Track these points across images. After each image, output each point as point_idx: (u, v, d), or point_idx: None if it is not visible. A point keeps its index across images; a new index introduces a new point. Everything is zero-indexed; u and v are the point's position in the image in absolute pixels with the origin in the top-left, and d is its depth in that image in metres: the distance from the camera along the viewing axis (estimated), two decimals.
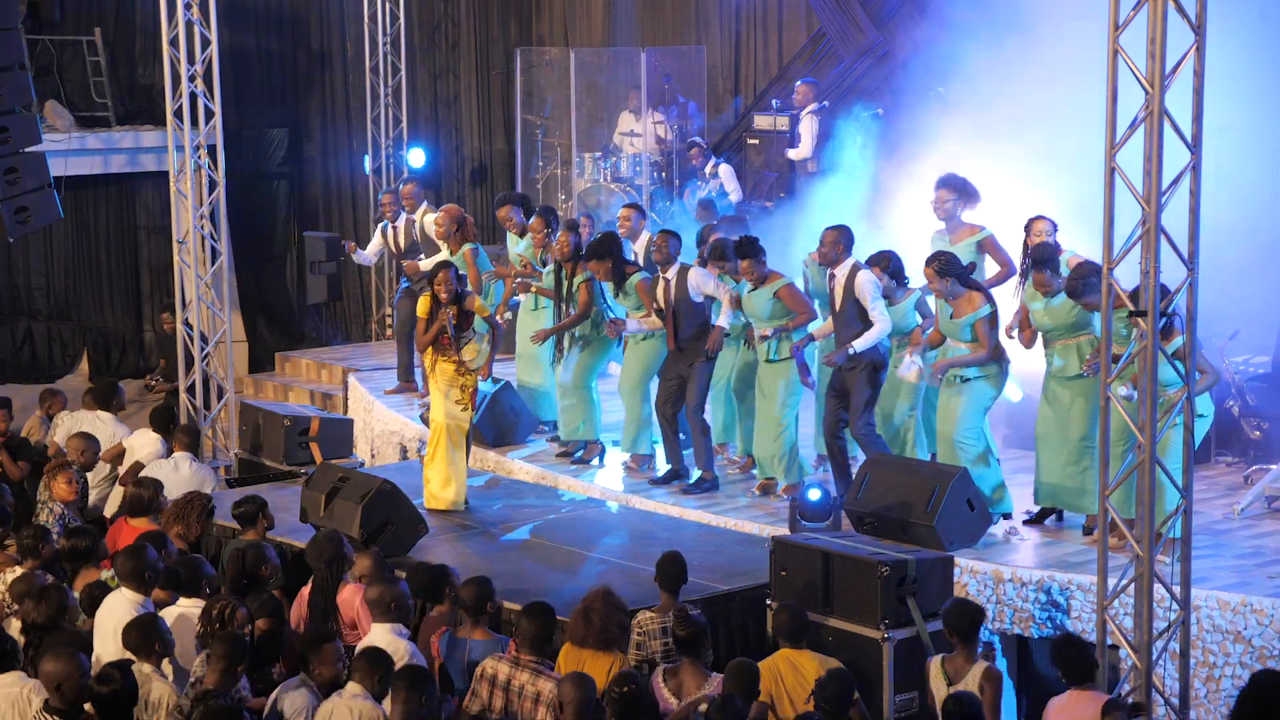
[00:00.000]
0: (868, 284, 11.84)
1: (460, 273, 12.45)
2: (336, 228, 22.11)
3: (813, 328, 12.37)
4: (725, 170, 17.82)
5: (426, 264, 15.79)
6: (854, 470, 11.87)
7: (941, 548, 10.85)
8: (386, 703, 7.93)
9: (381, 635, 8.69)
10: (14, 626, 9.46)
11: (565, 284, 13.67)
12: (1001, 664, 10.61)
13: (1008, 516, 11.56)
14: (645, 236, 14.03)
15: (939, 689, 8.64)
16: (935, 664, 8.73)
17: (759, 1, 19.40)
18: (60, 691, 7.79)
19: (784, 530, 11.35)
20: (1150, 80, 8.55)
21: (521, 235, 14.84)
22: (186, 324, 14.93)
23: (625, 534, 11.73)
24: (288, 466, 13.51)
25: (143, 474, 12.18)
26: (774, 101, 18.43)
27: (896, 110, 16.79)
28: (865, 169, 15.93)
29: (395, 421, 15.29)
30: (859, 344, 11.78)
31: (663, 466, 13.24)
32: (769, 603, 9.77)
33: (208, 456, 15.02)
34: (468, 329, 12.13)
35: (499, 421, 14.06)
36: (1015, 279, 12.20)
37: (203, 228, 14.83)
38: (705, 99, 19.69)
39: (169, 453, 12.92)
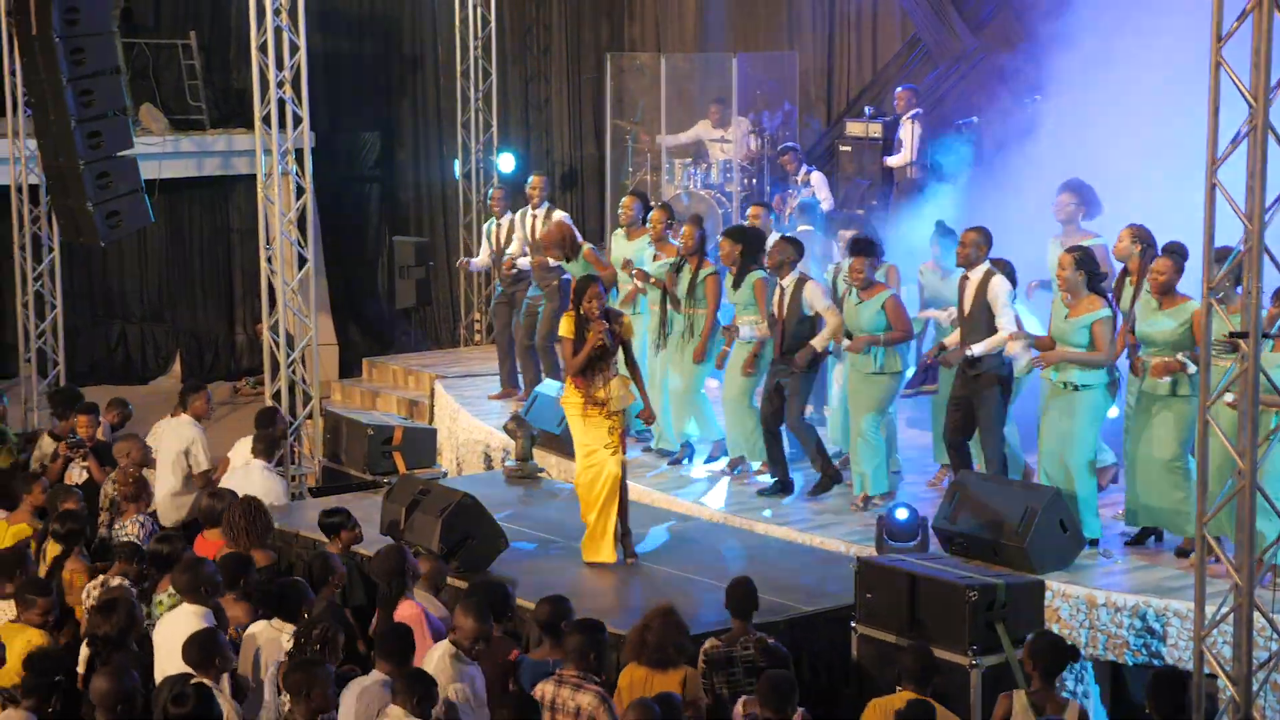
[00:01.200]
0: (1002, 290, 11.61)
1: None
2: (426, 232, 22.08)
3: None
4: (817, 178, 17.57)
5: (523, 263, 15.72)
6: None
7: (1033, 570, 10.62)
8: None
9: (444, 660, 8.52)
10: None
11: (689, 278, 13.53)
12: (1094, 690, 10.35)
13: (1094, 543, 11.22)
14: (772, 238, 13.85)
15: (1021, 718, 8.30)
16: (1020, 698, 8.37)
17: (853, 7, 19.11)
18: (119, 711, 7.70)
19: (871, 550, 11.13)
20: (1254, 93, 8.24)
21: (631, 233, 14.71)
22: (273, 330, 14.86)
23: (705, 549, 11.51)
24: (371, 476, 13.45)
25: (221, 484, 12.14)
26: (866, 109, 18.17)
27: (992, 118, 16.48)
28: (961, 176, 15.66)
29: (480, 431, 15.17)
30: (978, 348, 11.54)
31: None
32: (853, 625, 9.56)
33: (293, 464, 14.95)
34: (613, 355, 11.05)
35: None
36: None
37: (289, 234, 14.76)
38: (797, 105, 19.44)
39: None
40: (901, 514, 10.92)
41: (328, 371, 21.30)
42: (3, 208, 19.23)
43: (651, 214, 14.47)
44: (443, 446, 16.06)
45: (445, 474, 13.94)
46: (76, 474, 13.49)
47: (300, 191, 14.86)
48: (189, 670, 8.26)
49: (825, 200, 17.24)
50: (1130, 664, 10.40)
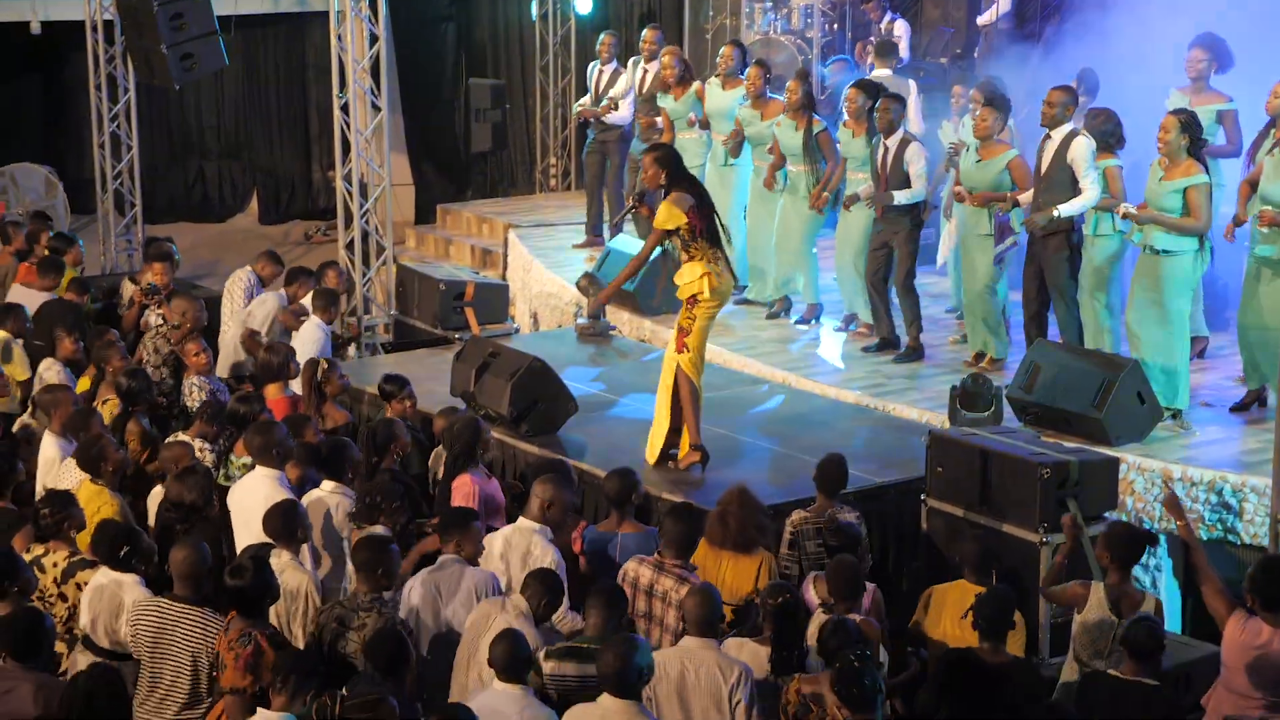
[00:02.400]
0: (1085, 151, 11.32)
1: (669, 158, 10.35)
2: (502, 74, 21.79)
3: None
4: (901, 26, 17.20)
5: (615, 117, 15.49)
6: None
7: (1109, 442, 10.50)
8: None
9: (527, 531, 8.50)
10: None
11: (803, 136, 13.40)
12: (1166, 564, 10.25)
13: (1177, 415, 11.04)
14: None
15: (1101, 623, 8.08)
16: (1098, 590, 8.17)
17: None
18: (186, 581, 7.75)
19: (944, 417, 11.00)
20: None
21: (727, 83, 14.54)
22: (346, 180, 14.75)
23: (780, 417, 11.43)
24: (442, 331, 13.40)
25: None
26: None
27: None
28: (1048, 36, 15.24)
29: (554, 284, 15.05)
30: (1065, 208, 11.29)
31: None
32: (924, 498, 9.48)
33: (366, 314, 14.91)
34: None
35: (656, 289, 13.75)
36: (1239, 161, 11.64)
37: (362, 81, 14.58)
38: None
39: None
40: (974, 381, 10.73)
41: (403, 212, 21.22)
42: (78, 44, 19.15)
43: (749, 70, 14.20)
44: (515, 298, 16.00)
45: (517, 330, 13.89)
46: (154, 319, 13.47)
47: (374, 39, 14.63)
48: (267, 540, 8.31)
49: (904, 51, 16.88)
50: (1205, 539, 10.24)
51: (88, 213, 21.24)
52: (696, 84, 14.97)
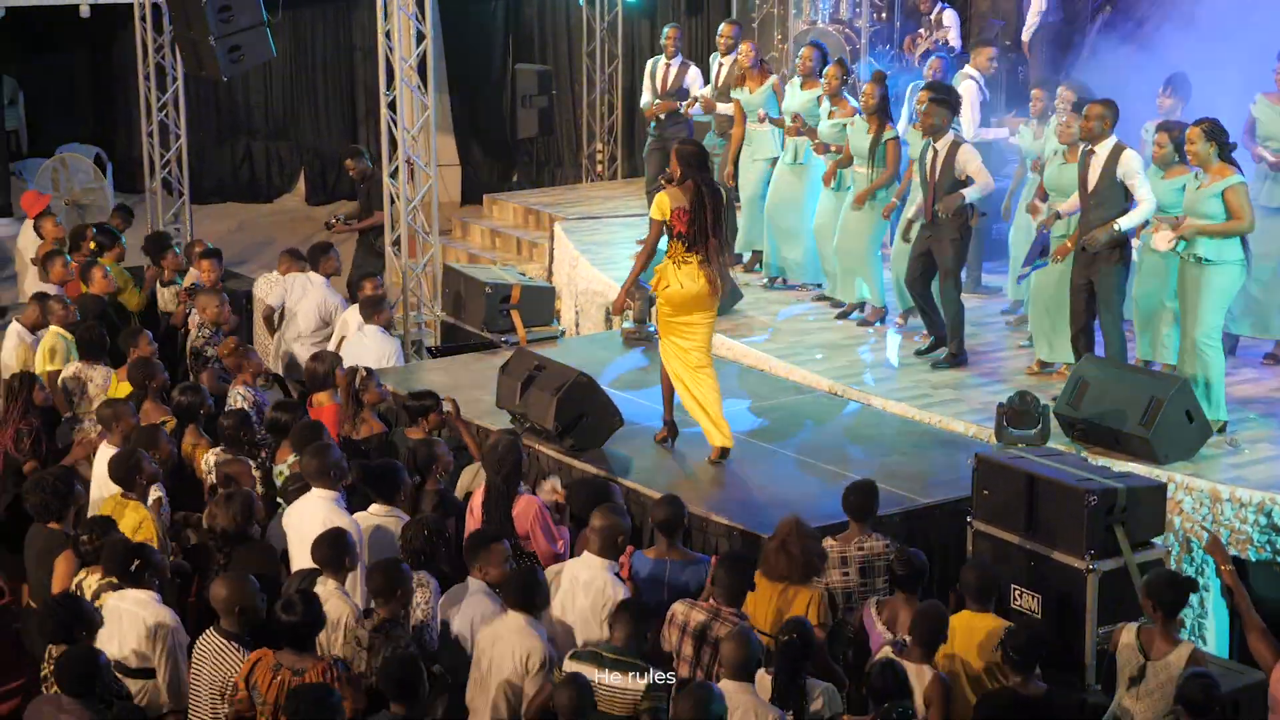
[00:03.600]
0: (1136, 163, 11.24)
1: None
2: (549, 59, 21.75)
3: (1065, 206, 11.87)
4: (950, 16, 17.06)
5: (725, 108, 15.45)
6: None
7: (1156, 461, 10.44)
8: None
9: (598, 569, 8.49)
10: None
11: (872, 140, 13.41)
12: (1214, 583, 10.19)
13: (1223, 429, 10.96)
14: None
15: (1129, 659, 8.05)
16: (1129, 631, 8.13)
17: None
18: (227, 616, 7.80)
19: (990, 431, 10.96)
20: None
21: (806, 84, 14.51)
22: (393, 177, 14.74)
23: (824, 431, 11.41)
24: (488, 334, 13.41)
25: (334, 348, 12.14)
26: None
27: None
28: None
29: (599, 281, 15.03)
30: (1125, 222, 11.20)
31: None
32: (969, 520, 9.44)
33: (413, 312, 14.93)
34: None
35: None
36: None
37: (409, 80, 14.56)
38: None
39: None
40: (1021, 400, 10.67)
41: (449, 193, 21.28)
42: (126, 22, 19.17)
43: (827, 69, 14.13)
44: (561, 291, 16.01)
45: (563, 333, 13.88)
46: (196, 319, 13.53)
47: (421, 37, 14.61)
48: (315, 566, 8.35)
49: (956, 41, 16.77)
50: (1253, 560, 10.19)
51: (136, 192, 21.41)
52: (774, 78, 14.99)
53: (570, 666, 7.47)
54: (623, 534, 8.50)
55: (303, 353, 13.19)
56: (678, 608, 8.21)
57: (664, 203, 10.39)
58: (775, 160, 14.82)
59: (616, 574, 8.47)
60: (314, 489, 9.04)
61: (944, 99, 12.56)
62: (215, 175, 23.56)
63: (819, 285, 14.55)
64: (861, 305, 13.92)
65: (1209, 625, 10.23)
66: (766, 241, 14.89)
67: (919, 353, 12.87)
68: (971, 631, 8.20)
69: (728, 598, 8.12)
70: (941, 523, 9.87)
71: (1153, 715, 7.88)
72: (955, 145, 12.34)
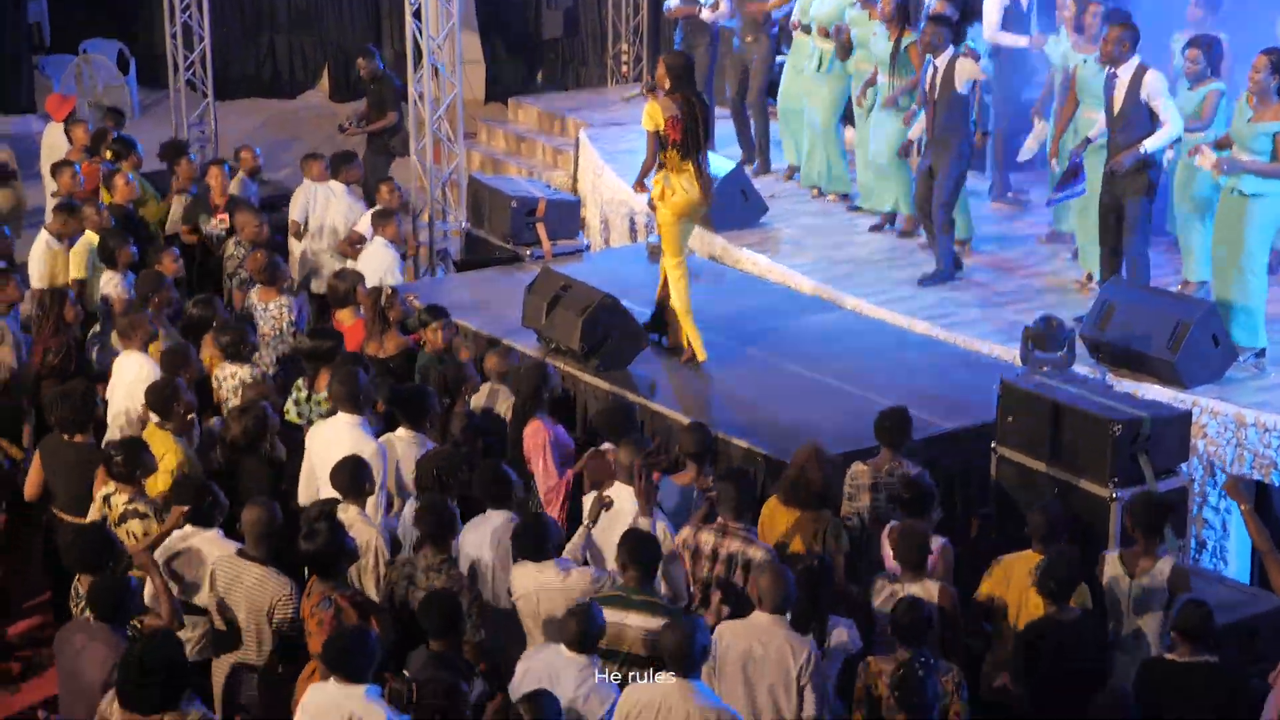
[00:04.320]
0: (1160, 84, 11.14)
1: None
2: None
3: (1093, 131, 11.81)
4: None
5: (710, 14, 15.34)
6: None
7: (1181, 385, 10.46)
8: None
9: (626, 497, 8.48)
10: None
11: (893, 46, 13.37)
12: (1235, 508, 10.22)
13: (1261, 353, 10.94)
14: None
15: (1119, 581, 8.15)
16: (1112, 561, 8.22)
17: None
18: (259, 541, 7.89)
19: (1014, 351, 10.94)
20: None
21: None
22: (418, 84, 14.68)
23: (847, 351, 11.37)
24: (513, 247, 13.41)
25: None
26: None
27: None
28: None
29: (625, 191, 14.94)
30: (1150, 144, 11.14)
31: None
32: (994, 446, 9.46)
33: (439, 220, 14.90)
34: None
35: (728, 204, 13.70)
36: None
37: None
38: None
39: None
40: (1047, 323, 10.62)
41: (473, 91, 21.10)
42: None
43: None
44: (586, 199, 15.98)
45: (588, 246, 13.87)
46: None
47: None
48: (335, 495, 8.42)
49: None
50: (1277, 484, 10.22)
51: (160, 87, 21.34)
52: None
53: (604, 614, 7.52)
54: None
55: (330, 265, 13.24)
56: (685, 532, 8.25)
57: (655, 113, 10.65)
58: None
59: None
60: (339, 413, 9.09)
61: (942, 16, 12.56)
62: (239, 70, 23.40)
63: (848, 196, 14.55)
64: (893, 217, 13.87)
65: (1231, 548, 10.28)
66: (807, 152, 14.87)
67: (922, 281, 12.70)
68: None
69: (733, 512, 8.17)
70: (966, 447, 9.86)
71: (1157, 627, 7.99)
72: (953, 60, 12.30)
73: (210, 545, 8.17)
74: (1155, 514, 8.16)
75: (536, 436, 9.31)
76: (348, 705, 6.74)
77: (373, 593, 8.15)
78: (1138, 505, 8.21)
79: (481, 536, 8.29)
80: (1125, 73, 11.19)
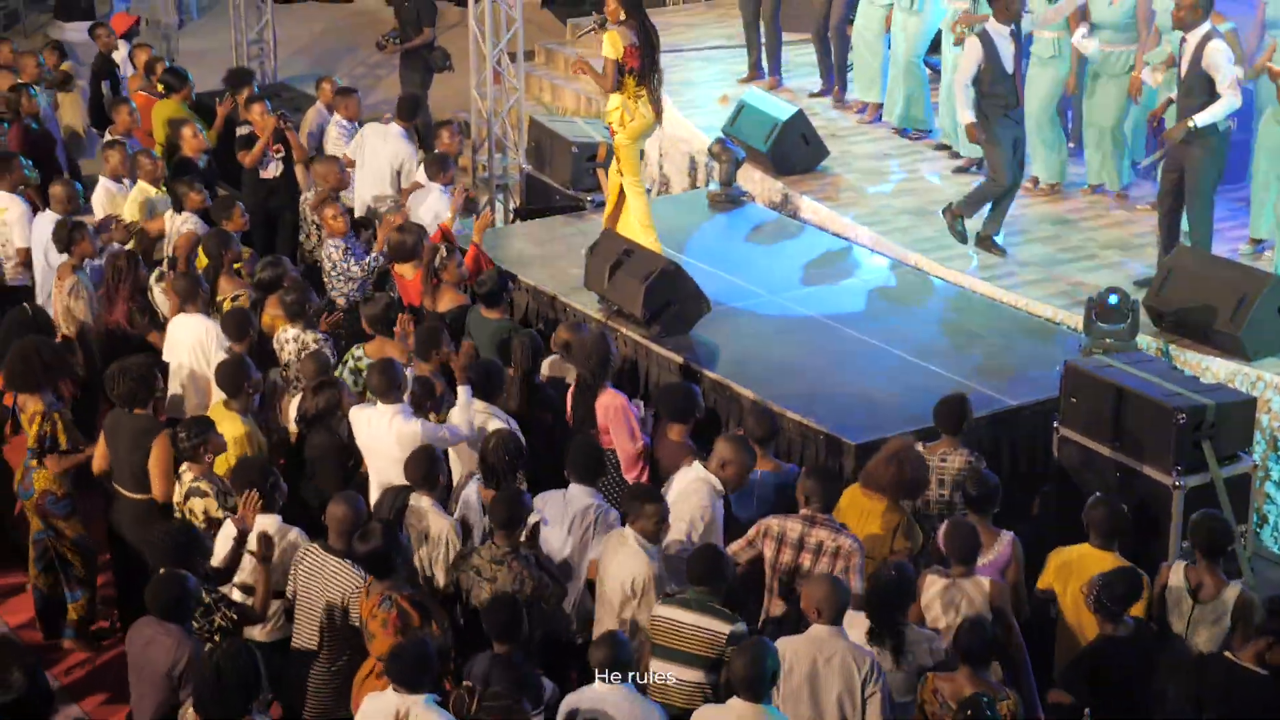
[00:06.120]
0: (1221, 56, 10.99)
1: None
2: None
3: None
4: None
5: None
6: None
7: (1246, 357, 10.42)
8: None
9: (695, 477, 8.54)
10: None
11: None
12: None
13: None
14: None
15: (1180, 600, 8.13)
16: (1176, 571, 8.19)
17: None
18: (341, 536, 8.00)
19: (1077, 317, 10.91)
20: None
21: None
22: (478, 21, 14.57)
23: (909, 313, 11.37)
24: (573, 192, 13.38)
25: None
26: None
27: None
28: None
29: (684, 127, 14.86)
30: (1200, 118, 11.02)
31: None
32: (1056, 425, 9.46)
33: (496, 154, 14.84)
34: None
35: (789, 150, 13.62)
36: None
37: None
38: None
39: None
40: (1111, 298, 10.58)
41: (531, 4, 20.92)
42: None
43: None
44: None
45: (649, 191, 13.77)
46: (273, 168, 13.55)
47: None
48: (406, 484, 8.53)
49: None
50: None
51: None
52: None
53: (660, 610, 7.61)
54: (732, 464, 8.46)
55: (381, 208, 13.27)
56: (771, 522, 8.31)
57: (616, 41, 11.27)
58: (891, 4, 14.57)
59: (717, 498, 8.49)
60: (379, 403, 9.10)
61: None
62: None
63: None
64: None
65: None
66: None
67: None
68: (1091, 572, 8.11)
69: (821, 505, 8.23)
70: (1028, 424, 9.89)
71: (1211, 646, 7.98)
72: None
73: (269, 528, 8.25)
74: (1218, 539, 8.10)
75: (612, 405, 9.38)
76: (405, 710, 6.88)
77: (443, 581, 8.28)
78: (1201, 529, 8.14)
79: (558, 518, 8.39)
80: (1194, 39, 11.05)
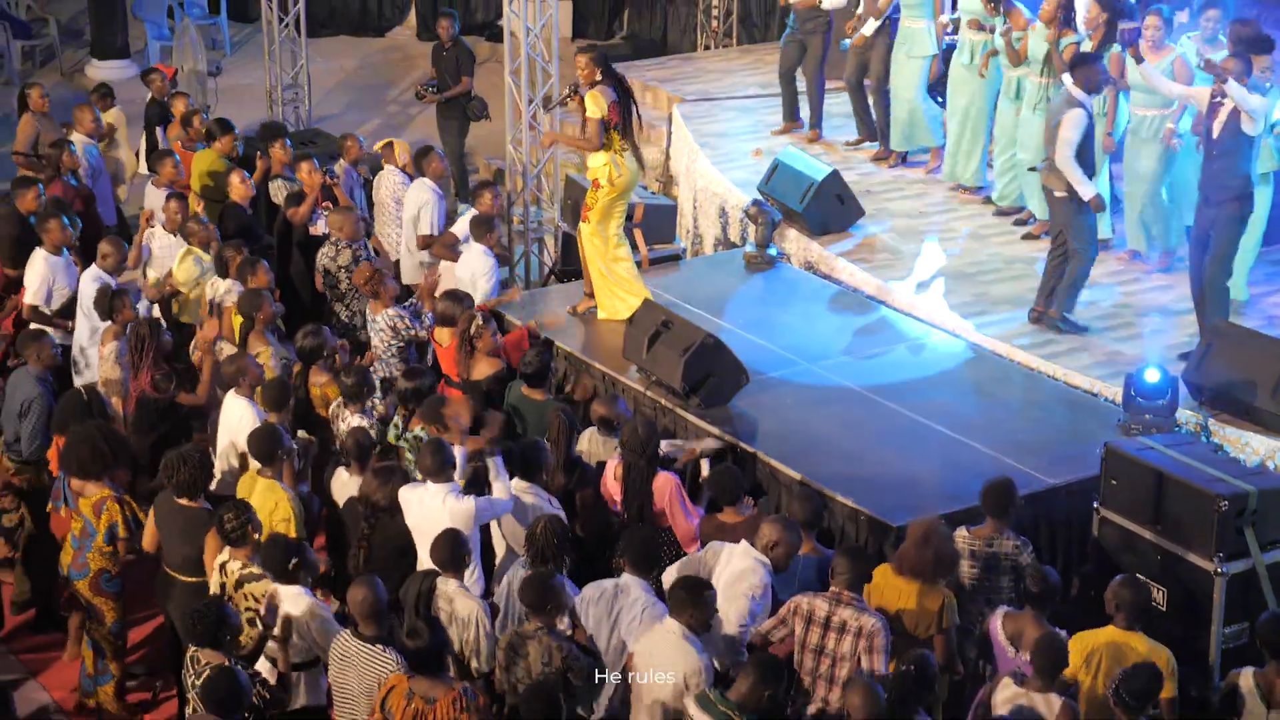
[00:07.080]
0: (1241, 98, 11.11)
1: None
2: None
3: None
4: None
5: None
6: None
7: None
8: None
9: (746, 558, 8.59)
10: None
11: (1048, 47, 13.25)
12: None
13: None
14: None
15: (1254, 708, 8.11)
16: (1246, 677, 8.19)
17: None
18: (367, 620, 8.06)
19: (1116, 388, 10.90)
20: None
21: None
22: (513, 76, 14.60)
23: (947, 386, 11.35)
24: None
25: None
26: None
27: None
28: None
29: (717, 181, 14.89)
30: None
31: None
32: (1096, 506, 9.46)
33: (523, 212, 14.85)
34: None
35: (825, 210, 13.64)
36: None
37: None
38: None
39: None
40: (1152, 376, 10.56)
41: (561, 29, 20.94)
42: None
43: None
44: (677, 176, 15.98)
45: (684, 250, 13.84)
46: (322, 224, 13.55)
47: None
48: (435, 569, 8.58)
49: None
50: None
51: (250, 20, 21.33)
52: None
53: (692, 710, 7.63)
54: (780, 544, 8.52)
55: (409, 263, 13.32)
56: (799, 600, 8.35)
57: (600, 100, 11.59)
58: (932, 58, 14.62)
59: (767, 578, 8.53)
60: (429, 483, 9.16)
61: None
62: (327, 5, 23.40)
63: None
64: (1032, 219, 13.78)
65: None
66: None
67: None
68: (1124, 656, 8.15)
69: (848, 585, 8.27)
70: (1067, 503, 9.89)
71: None
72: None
73: (292, 601, 8.36)
74: None
75: (667, 487, 9.45)
76: None
77: (474, 665, 8.35)
78: (1269, 629, 8.15)
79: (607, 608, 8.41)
80: (1230, 101, 11.11)
